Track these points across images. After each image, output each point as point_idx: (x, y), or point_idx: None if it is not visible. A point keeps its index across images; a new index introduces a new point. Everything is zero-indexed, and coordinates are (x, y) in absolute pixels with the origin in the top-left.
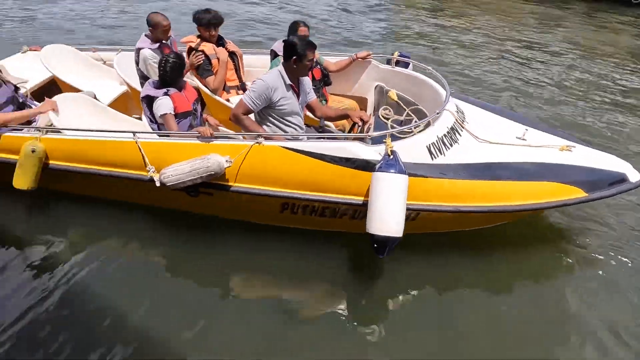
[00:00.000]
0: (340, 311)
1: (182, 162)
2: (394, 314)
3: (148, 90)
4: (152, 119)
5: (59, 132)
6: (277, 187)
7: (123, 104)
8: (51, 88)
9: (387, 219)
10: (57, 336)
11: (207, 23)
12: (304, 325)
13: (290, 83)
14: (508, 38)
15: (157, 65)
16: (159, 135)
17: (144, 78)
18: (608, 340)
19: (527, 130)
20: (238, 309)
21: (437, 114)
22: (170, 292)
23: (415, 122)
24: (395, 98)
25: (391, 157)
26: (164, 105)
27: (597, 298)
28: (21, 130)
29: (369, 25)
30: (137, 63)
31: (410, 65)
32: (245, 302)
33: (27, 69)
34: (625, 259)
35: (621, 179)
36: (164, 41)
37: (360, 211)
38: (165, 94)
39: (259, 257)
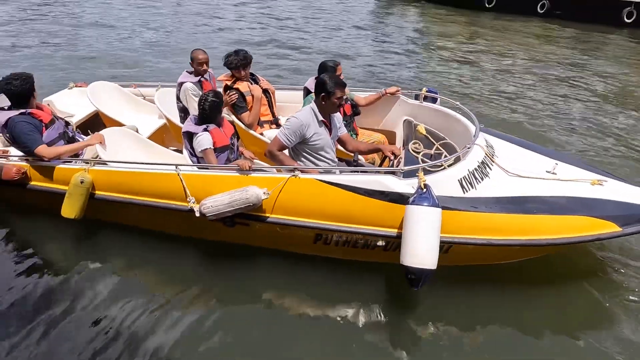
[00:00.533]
0: (369, 340)
1: (222, 193)
2: (423, 347)
3: (189, 126)
4: (192, 153)
5: (105, 164)
6: (311, 218)
7: (161, 136)
8: (95, 122)
9: (421, 251)
10: None
11: (236, 66)
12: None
13: (322, 119)
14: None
15: (196, 99)
16: (199, 168)
17: (183, 111)
18: None
19: (557, 164)
20: (272, 334)
21: (468, 147)
22: (207, 319)
23: (446, 156)
24: (424, 132)
25: (424, 190)
26: (204, 140)
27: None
28: (71, 162)
29: (401, 63)
30: (177, 97)
31: (438, 101)
32: (278, 325)
33: (73, 104)
34: None
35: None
36: (204, 76)
37: (393, 242)
38: (205, 130)
39: (291, 284)
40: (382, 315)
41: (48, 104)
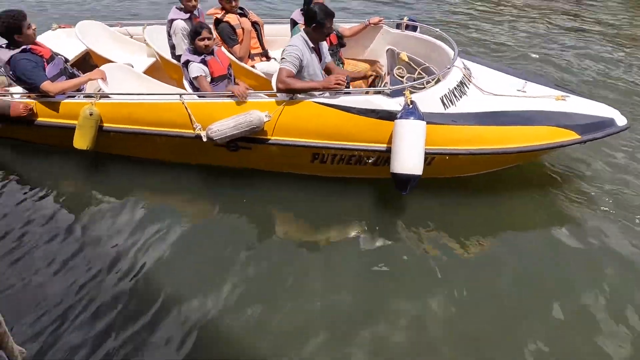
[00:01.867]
0: (361, 247)
1: (227, 118)
2: (405, 248)
3: (188, 55)
4: (192, 83)
5: (108, 97)
6: (309, 138)
7: (152, 74)
8: (85, 62)
9: (408, 159)
10: (116, 296)
11: None
12: (324, 258)
13: (313, 46)
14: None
15: (187, 35)
16: (198, 96)
17: (174, 48)
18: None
19: (526, 83)
20: (269, 248)
21: (448, 68)
22: (214, 236)
23: (427, 78)
24: (406, 59)
25: (410, 106)
26: (195, 68)
27: (589, 230)
28: (75, 96)
29: None
30: (168, 34)
31: (418, 29)
32: (274, 242)
33: (60, 46)
34: (617, 194)
35: (610, 123)
36: (193, 12)
37: (382, 157)
38: (203, 60)
39: (291, 203)
40: (372, 224)
41: None
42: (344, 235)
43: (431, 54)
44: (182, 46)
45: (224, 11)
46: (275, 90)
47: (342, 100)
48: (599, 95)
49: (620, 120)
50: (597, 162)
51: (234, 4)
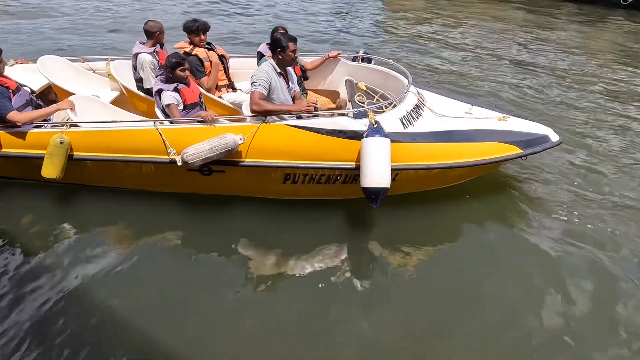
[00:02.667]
0: (335, 266)
1: (202, 142)
2: (379, 263)
3: (160, 85)
4: (164, 111)
5: (77, 126)
6: (281, 159)
7: (118, 107)
8: (46, 97)
9: (377, 173)
10: (74, 322)
11: (196, 29)
12: (304, 282)
13: (280, 71)
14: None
15: (154, 71)
16: (170, 122)
17: (140, 81)
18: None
19: (472, 107)
20: (242, 274)
21: (405, 93)
22: (187, 265)
23: (387, 101)
24: (364, 88)
25: (375, 125)
26: (168, 96)
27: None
28: (42, 126)
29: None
30: (134, 68)
31: (373, 61)
32: (247, 267)
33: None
34: (557, 197)
35: (545, 139)
36: (158, 45)
37: (351, 176)
38: (175, 88)
39: (261, 228)
40: (346, 242)
41: None
42: (315, 256)
43: (386, 83)
44: (151, 79)
45: (192, 45)
46: (248, 114)
47: (312, 122)
48: (534, 116)
49: (554, 137)
50: (536, 175)
51: (202, 37)
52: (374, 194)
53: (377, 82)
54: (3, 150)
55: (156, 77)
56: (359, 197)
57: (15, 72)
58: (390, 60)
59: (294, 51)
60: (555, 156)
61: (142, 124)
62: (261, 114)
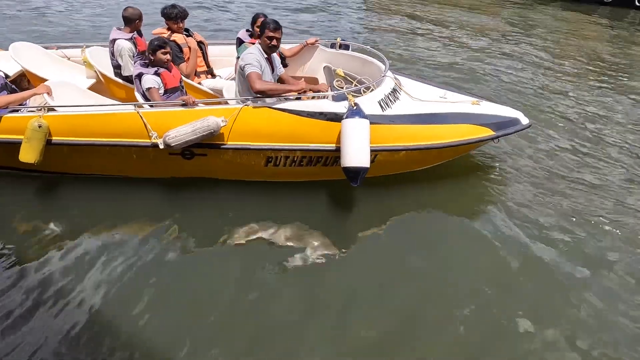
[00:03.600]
0: (316, 244)
1: (184, 125)
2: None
3: (140, 69)
4: (144, 95)
5: (55, 110)
6: (263, 141)
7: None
8: (19, 85)
9: (357, 153)
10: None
11: (175, 16)
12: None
13: (266, 56)
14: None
15: (132, 58)
16: (150, 106)
17: (118, 68)
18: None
19: (446, 92)
20: (231, 261)
21: (382, 77)
22: (170, 252)
23: (365, 85)
24: (342, 74)
25: (355, 107)
26: (149, 80)
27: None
28: (19, 111)
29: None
30: (112, 54)
31: (350, 48)
32: (234, 252)
33: None
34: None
35: (516, 122)
36: (136, 32)
37: (331, 157)
38: (156, 72)
39: (244, 212)
40: (327, 223)
41: None
42: (294, 238)
43: (364, 69)
44: (130, 67)
45: (170, 31)
46: (230, 97)
47: (293, 105)
48: (505, 100)
49: (524, 120)
50: (506, 157)
51: (180, 24)
52: (354, 173)
53: (355, 69)
54: None
55: (135, 62)
56: (339, 178)
57: None
58: (368, 47)
59: (279, 39)
60: (526, 139)
61: (122, 108)
62: (265, 94)
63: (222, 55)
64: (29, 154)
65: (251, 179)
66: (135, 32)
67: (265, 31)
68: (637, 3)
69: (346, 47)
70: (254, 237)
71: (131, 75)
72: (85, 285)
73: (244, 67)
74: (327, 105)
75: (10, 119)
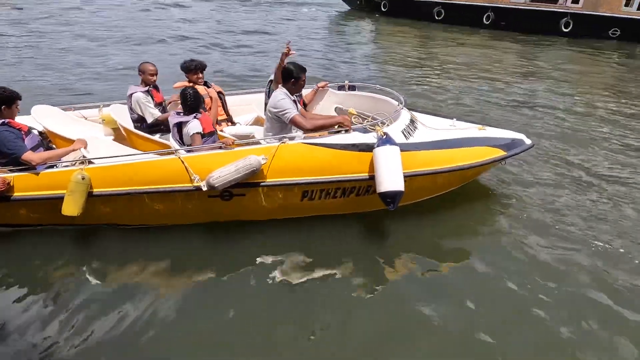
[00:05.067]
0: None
1: (226, 165)
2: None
3: (178, 118)
4: (181, 143)
5: (93, 163)
6: (300, 176)
7: None
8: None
9: (392, 178)
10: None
11: (195, 68)
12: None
13: (293, 99)
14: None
15: (151, 105)
16: (190, 151)
17: (139, 121)
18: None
19: (454, 120)
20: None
21: (401, 108)
22: (208, 297)
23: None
24: (355, 113)
25: (384, 137)
26: (194, 126)
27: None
28: (55, 166)
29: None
30: (130, 109)
31: (356, 89)
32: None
33: None
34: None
35: (521, 142)
36: (152, 85)
37: (364, 187)
38: (195, 117)
39: (281, 248)
40: (355, 257)
41: None
42: (331, 271)
43: (376, 106)
44: (150, 111)
45: (191, 83)
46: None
47: (327, 139)
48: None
49: (527, 141)
50: (515, 178)
51: (200, 76)
52: (390, 197)
53: (365, 107)
54: (18, 193)
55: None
56: (370, 210)
57: None
58: (377, 86)
59: (304, 80)
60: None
61: (162, 155)
62: (314, 131)
63: (239, 104)
64: (71, 207)
65: (286, 216)
66: (150, 86)
67: (292, 76)
68: None
69: (353, 88)
70: (285, 276)
71: (155, 120)
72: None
73: (282, 112)
74: (358, 137)
75: (49, 174)
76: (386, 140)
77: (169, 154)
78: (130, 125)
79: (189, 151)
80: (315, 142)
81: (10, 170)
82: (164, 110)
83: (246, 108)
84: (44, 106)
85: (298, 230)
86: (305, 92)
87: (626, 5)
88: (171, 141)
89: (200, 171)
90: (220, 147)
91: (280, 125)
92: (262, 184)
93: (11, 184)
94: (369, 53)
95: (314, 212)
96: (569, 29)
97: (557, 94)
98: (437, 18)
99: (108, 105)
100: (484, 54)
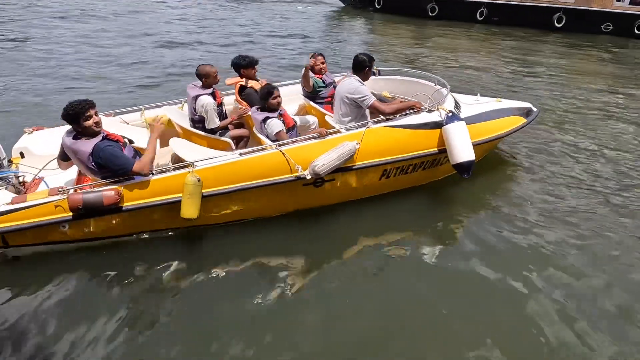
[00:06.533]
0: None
1: (327, 153)
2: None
3: (263, 114)
4: (268, 137)
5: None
6: (382, 157)
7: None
8: None
9: (464, 150)
10: None
11: (249, 64)
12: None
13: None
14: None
15: (217, 111)
16: (278, 145)
17: (199, 122)
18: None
19: (477, 96)
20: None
21: (449, 90)
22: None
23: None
24: (389, 96)
25: (450, 114)
26: (277, 124)
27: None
28: (166, 172)
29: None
30: (193, 109)
31: (379, 74)
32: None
33: (44, 146)
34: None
35: (531, 110)
36: (213, 87)
37: (429, 161)
38: (280, 114)
39: (363, 226)
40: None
41: (21, 153)
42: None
43: (407, 89)
44: (215, 119)
45: (244, 78)
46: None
47: (403, 121)
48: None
49: (534, 108)
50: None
51: (253, 71)
52: (465, 167)
53: (398, 90)
54: (128, 203)
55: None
56: (434, 180)
57: (35, 139)
58: (410, 69)
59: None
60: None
61: (264, 149)
62: (392, 114)
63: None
64: (191, 210)
65: (364, 196)
66: (212, 87)
67: (364, 66)
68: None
69: (378, 73)
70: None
71: (217, 127)
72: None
73: (362, 98)
74: (427, 116)
75: (158, 181)
76: (453, 117)
77: (270, 148)
78: (187, 126)
79: (296, 142)
80: (393, 125)
81: (115, 181)
82: (222, 111)
83: (290, 98)
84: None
85: (369, 210)
86: (337, 78)
87: (618, 0)
88: (260, 136)
89: (301, 162)
90: (316, 137)
91: (357, 110)
92: (353, 167)
93: (122, 194)
94: (364, 48)
95: (387, 189)
96: (562, 24)
97: (553, 85)
98: (430, 14)
99: (149, 109)
100: (477, 49)
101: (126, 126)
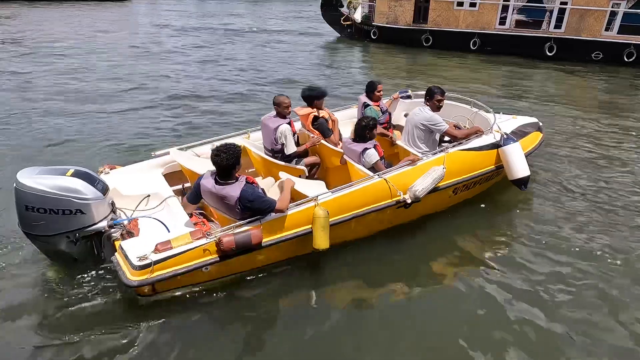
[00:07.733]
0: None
1: (422, 178)
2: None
3: (359, 146)
4: (364, 165)
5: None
6: (456, 177)
7: None
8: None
9: (521, 167)
10: None
11: (320, 95)
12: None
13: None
14: None
15: (293, 139)
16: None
17: (279, 152)
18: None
19: (500, 114)
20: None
21: (498, 115)
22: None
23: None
24: None
25: (505, 136)
26: (374, 155)
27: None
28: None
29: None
30: (275, 140)
31: (411, 97)
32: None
33: (127, 184)
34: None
35: (538, 124)
36: (287, 116)
37: (484, 177)
38: (375, 145)
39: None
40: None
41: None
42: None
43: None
44: (292, 145)
45: (315, 109)
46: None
47: (471, 144)
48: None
49: (540, 123)
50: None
51: (323, 101)
52: (524, 181)
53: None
54: (267, 238)
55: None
56: (482, 190)
57: (115, 177)
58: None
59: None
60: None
61: (371, 179)
62: (464, 139)
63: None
64: (324, 241)
65: (434, 211)
66: (288, 117)
67: (435, 96)
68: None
69: (407, 97)
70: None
71: (294, 152)
72: None
73: (437, 125)
74: (487, 139)
75: (292, 215)
76: (509, 139)
77: (375, 178)
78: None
79: (395, 169)
80: (464, 148)
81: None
82: (297, 139)
83: (343, 122)
84: (172, 149)
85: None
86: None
87: (606, 30)
88: (360, 167)
89: (400, 187)
90: (409, 164)
91: (430, 135)
92: (437, 189)
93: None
94: (363, 77)
95: (451, 204)
96: (553, 52)
97: (546, 112)
98: (425, 44)
99: (216, 141)
100: (470, 77)
101: (199, 158)
